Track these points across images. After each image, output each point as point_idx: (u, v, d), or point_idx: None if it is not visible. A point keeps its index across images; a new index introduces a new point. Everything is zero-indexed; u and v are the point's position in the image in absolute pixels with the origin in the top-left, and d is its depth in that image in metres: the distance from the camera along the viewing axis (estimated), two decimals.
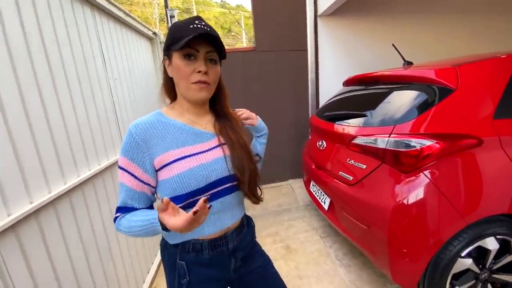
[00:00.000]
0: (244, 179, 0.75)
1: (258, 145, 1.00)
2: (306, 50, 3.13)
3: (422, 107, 1.33)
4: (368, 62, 3.11)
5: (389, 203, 1.25)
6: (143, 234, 0.66)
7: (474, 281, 1.34)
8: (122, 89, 1.78)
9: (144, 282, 1.80)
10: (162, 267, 1.99)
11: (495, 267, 1.34)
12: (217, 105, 0.82)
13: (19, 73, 0.93)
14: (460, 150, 1.25)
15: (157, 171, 0.70)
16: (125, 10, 1.89)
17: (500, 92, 1.29)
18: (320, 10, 2.93)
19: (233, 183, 0.76)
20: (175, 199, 0.69)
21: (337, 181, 1.65)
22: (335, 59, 3.14)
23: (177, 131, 0.72)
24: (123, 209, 0.71)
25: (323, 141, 1.94)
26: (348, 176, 1.53)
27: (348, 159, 1.57)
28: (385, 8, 3.10)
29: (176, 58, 0.68)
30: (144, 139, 0.68)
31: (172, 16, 2.92)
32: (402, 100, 1.45)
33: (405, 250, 1.25)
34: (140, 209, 0.72)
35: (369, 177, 1.40)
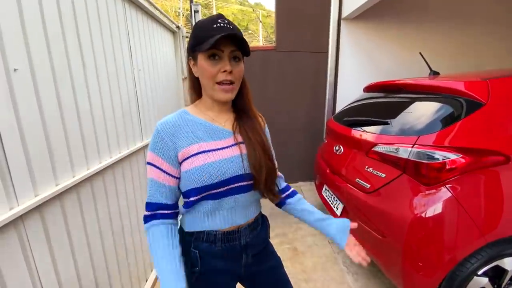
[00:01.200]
0: (261, 178, 0.76)
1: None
2: (327, 52, 3.10)
3: (448, 119, 1.30)
4: (390, 69, 3.06)
5: (408, 214, 1.23)
6: (155, 260, 0.71)
7: None
8: (145, 80, 1.81)
9: (152, 270, 1.84)
10: None
11: None
12: (238, 103, 0.82)
13: (54, 62, 0.96)
14: (485, 167, 1.21)
15: (180, 163, 0.73)
16: (152, 2, 1.91)
17: None
18: (345, 14, 2.89)
19: (249, 182, 0.76)
20: (191, 192, 0.72)
21: (353, 187, 1.63)
22: (356, 64, 3.09)
23: (198, 127, 0.75)
24: (151, 205, 0.73)
25: (341, 146, 1.92)
26: (366, 183, 1.51)
27: (367, 167, 1.55)
28: (411, 15, 3.04)
29: (202, 59, 0.69)
30: (170, 135, 0.72)
31: (196, 11, 2.93)
32: (427, 111, 1.41)
33: (420, 264, 1.23)
34: (167, 205, 0.74)
35: (387, 187, 1.37)
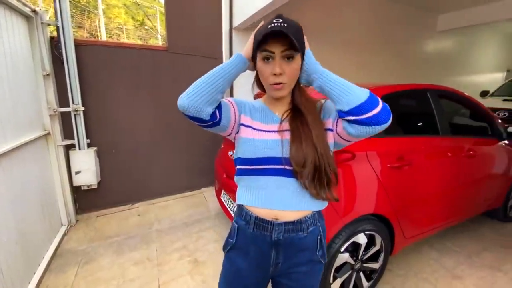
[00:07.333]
0: (303, 172, 0.75)
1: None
2: (220, 59, 3.16)
3: None
4: None
5: None
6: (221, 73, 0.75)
7: (350, 272, 1.61)
8: None
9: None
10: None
11: (365, 257, 1.65)
12: (294, 100, 0.82)
13: None
14: (341, 162, 1.49)
15: (239, 125, 0.84)
16: None
17: None
18: (235, 23, 3.03)
19: (286, 167, 0.77)
20: (237, 160, 0.84)
21: None
22: (249, 72, 3.29)
23: (258, 106, 0.87)
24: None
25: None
26: None
27: None
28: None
29: (258, 60, 0.76)
30: (243, 104, 0.87)
31: None
32: None
33: None
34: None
35: None
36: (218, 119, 0.78)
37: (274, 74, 0.73)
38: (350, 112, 0.68)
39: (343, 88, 0.70)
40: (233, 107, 0.83)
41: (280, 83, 0.74)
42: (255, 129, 0.82)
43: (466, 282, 1.89)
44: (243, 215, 0.84)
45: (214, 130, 0.81)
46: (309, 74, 0.76)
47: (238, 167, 0.85)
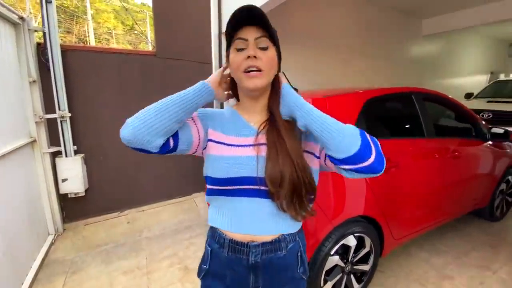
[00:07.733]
0: (279, 189, 0.67)
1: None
2: (210, 63, 3.16)
3: None
4: None
5: None
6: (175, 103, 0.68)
7: (341, 274, 1.61)
8: None
9: None
10: None
11: (355, 260, 1.65)
12: (269, 104, 0.75)
13: None
14: None
15: (207, 141, 0.76)
16: None
17: (355, 118, 1.64)
18: (224, 27, 3.04)
19: (262, 187, 0.70)
20: (207, 178, 0.75)
21: None
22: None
23: (229, 116, 0.78)
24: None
25: None
26: None
27: None
28: (282, 36, 3.52)
29: (231, 53, 0.69)
30: (210, 116, 0.77)
31: (49, 1, 2.37)
32: None
33: None
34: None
35: None
36: (172, 147, 0.69)
37: (248, 57, 0.66)
38: (345, 161, 0.62)
39: (334, 134, 0.62)
40: (196, 125, 0.74)
41: (255, 68, 0.66)
42: (227, 144, 0.73)
43: (456, 282, 1.92)
44: (216, 237, 0.76)
45: (171, 154, 0.73)
46: (288, 103, 0.69)
47: (209, 186, 0.75)
